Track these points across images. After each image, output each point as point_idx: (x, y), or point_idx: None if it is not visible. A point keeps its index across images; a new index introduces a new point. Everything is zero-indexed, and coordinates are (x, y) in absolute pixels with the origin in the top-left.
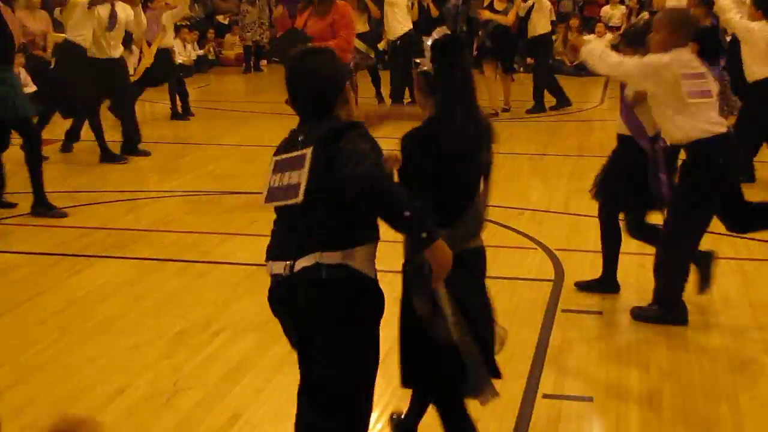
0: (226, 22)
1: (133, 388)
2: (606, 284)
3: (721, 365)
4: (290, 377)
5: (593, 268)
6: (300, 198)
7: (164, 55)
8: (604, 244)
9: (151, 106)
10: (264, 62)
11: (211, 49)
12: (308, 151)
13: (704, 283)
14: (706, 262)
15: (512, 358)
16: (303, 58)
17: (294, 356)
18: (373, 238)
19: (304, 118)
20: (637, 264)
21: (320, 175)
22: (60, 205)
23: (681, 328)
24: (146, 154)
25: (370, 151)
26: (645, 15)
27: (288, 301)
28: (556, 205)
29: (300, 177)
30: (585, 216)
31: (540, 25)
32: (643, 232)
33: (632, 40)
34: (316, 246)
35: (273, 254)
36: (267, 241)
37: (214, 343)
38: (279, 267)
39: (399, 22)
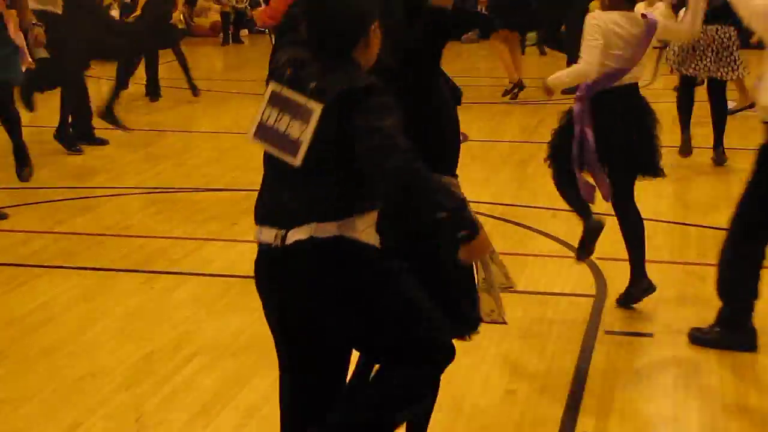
0: None
1: (85, 426)
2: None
3: None
4: (275, 412)
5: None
6: (298, 162)
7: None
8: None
9: (108, 84)
10: (245, 32)
11: (182, 17)
12: (318, 109)
13: None
14: None
15: (547, 390)
16: None
17: None
18: (377, 206)
19: (317, 51)
20: (698, 276)
21: (327, 141)
22: None
23: (749, 355)
24: (104, 142)
25: (397, 129)
26: None
27: (279, 274)
28: (596, 204)
29: (302, 134)
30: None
31: None
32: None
33: None
34: (311, 214)
35: (263, 217)
36: (249, 247)
37: (184, 371)
38: (269, 235)
39: None
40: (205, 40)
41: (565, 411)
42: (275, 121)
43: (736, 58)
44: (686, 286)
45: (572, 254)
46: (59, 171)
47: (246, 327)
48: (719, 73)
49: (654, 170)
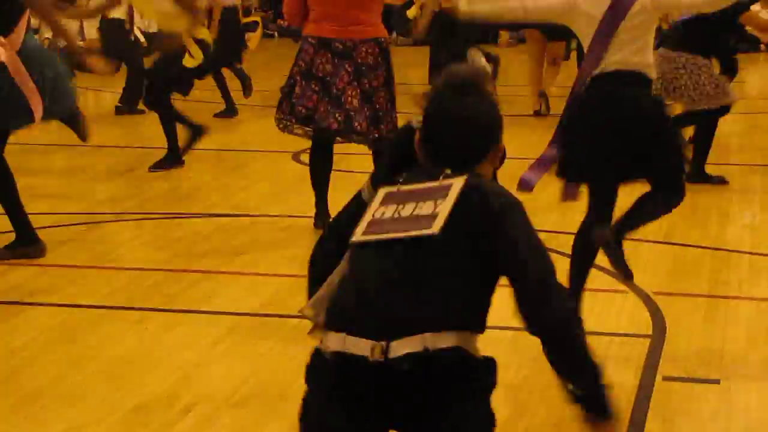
0: None
1: None
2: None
3: None
4: None
5: (707, 321)
6: (437, 229)
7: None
8: None
9: (95, 96)
10: (254, 36)
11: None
12: (460, 181)
13: None
14: None
15: None
16: (459, 101)
17: None
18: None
19: (437, 165)
20: None
21: (464, 225)
22: None
23: None
24: None
25: (545, 251)
26: None
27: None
28: (652, 230)
29: (438, 207)
30: (694, 246)
31: None
32: None
33: None
34: (424, 322)
35: (349, 324)
36: (257, 281)
37: (182, 424)
38: (361, 347)
39: None
40: None
41: None
42: (394, 212)
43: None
44: (759, 325)
45: (625, 288)
46: (39, 194)
47: (250, 374)
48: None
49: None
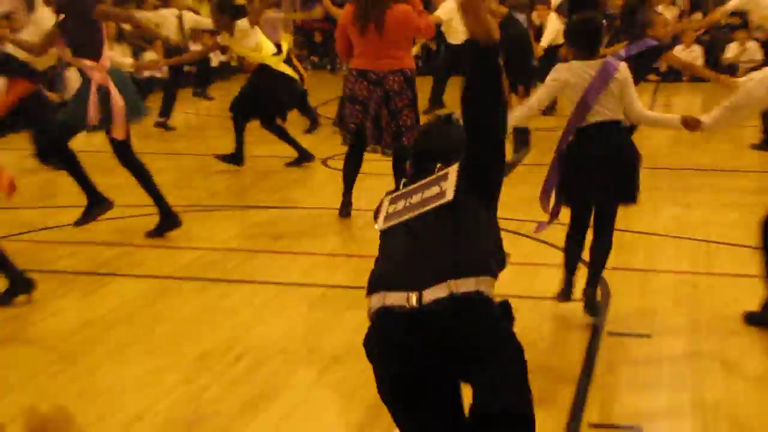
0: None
1: (151, 414)
2: None
3: None
4: (318, 404)
5: (641, 289)
6: (450, 196)
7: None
8: None
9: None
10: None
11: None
12: (455, 166)
13: None
14: None
15: (557, 381)
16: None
17: (324, 379)
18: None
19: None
20: (690, 284)
21: (467, 194)
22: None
23: (740, 355)
24: None
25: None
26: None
27: (416, 334)
28: None
29: (444, 186)
30: (631, 232)
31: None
32: None
33: None
34: (447, 272)
35: (388, 284)
36: (294, 258)
37: (237, 368)
38: (398, 298)
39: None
40: None
41: (574, 401)
42: (405, 203)
43: None
44: (678, 293)
45: (580, 265)
46: (126, 189)
47: (287, 332)
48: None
49: (629, 199)
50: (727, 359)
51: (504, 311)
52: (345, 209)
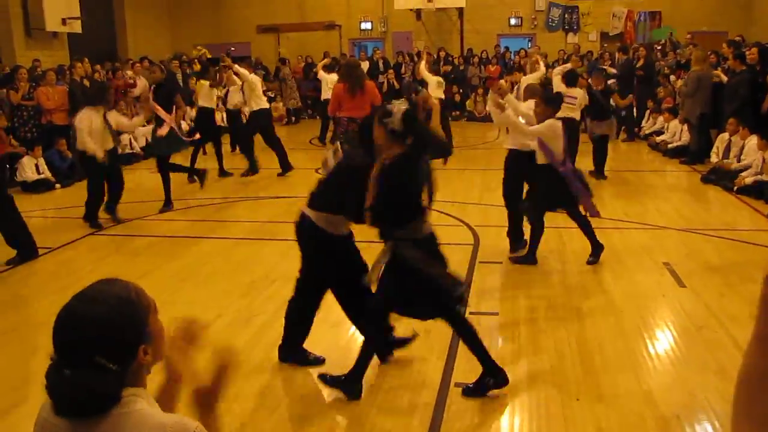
0: (272, 95)
1: (225, 315)
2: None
3: None
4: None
5: (498, 237)
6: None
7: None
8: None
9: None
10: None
11: None
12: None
13: None
14: None
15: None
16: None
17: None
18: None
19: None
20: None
21: None
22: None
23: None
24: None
25: None
26: None
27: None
28: (473, 197)
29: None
30: (491, 205)
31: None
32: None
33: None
34: None
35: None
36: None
37: (271, 288)
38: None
39: None
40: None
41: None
42: None
43: None
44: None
45: (459, 224)
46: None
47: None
48: None
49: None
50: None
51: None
52: None
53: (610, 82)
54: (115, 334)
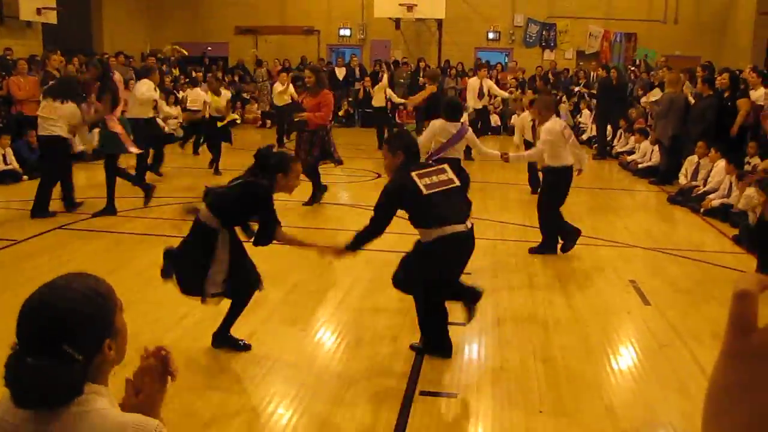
0: (248, 97)
1: (191, 314)
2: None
3: None
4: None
5: None
6: (458, 183)
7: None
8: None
9: None
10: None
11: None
12: (446, 165)
13: None
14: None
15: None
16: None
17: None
18: None
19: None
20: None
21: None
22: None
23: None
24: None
25: None
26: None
27: (468, 244)
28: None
29: (448, 176)
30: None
31: None
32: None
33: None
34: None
35: (452, 219)
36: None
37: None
38: (461, 227)
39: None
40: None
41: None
42: (431, 180)
43: None
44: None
45: None
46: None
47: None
48: None
49: None
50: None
51: None
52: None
53: (577, 89)
54: (83, 323)
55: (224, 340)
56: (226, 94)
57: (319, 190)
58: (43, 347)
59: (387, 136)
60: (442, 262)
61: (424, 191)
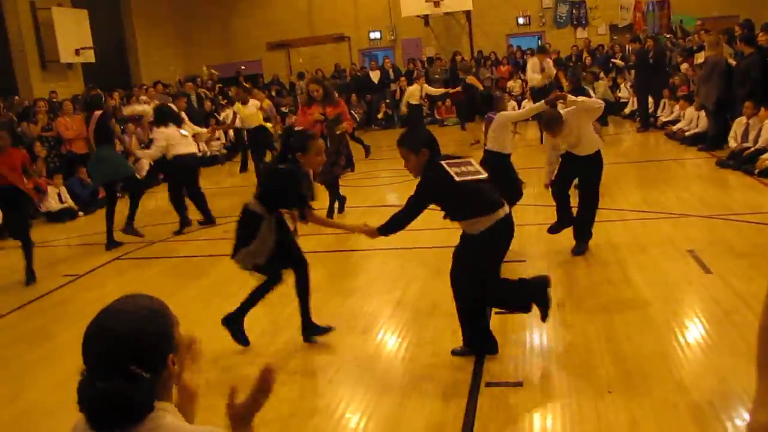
0: (286, 110)
1: (251, 330)
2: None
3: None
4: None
5: (522, 237)
6: (486, 174)
7: None
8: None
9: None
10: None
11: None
12: (472, 158)
13: None
14: None
15: None
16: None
17: None
18: None
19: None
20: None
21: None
22: None
23: None
24: None
25: None
26: None
27: (511, 227)
28: None
29: (476, 167)
30: (527, 204)
31: None
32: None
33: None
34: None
35: (493, 206)
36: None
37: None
38: (502, 212)
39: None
40: None
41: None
42: (461, 169)
43: None
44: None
45: None
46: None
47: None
48: None
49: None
50: None
51: None
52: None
53: (613, 62)
54: (147, 342)
55: (233, 321)
56: (255, 103)
57: (339, 200)
58: (109, 370)
59: (400, 137)
60: (493, 250)
61: (457, 179)
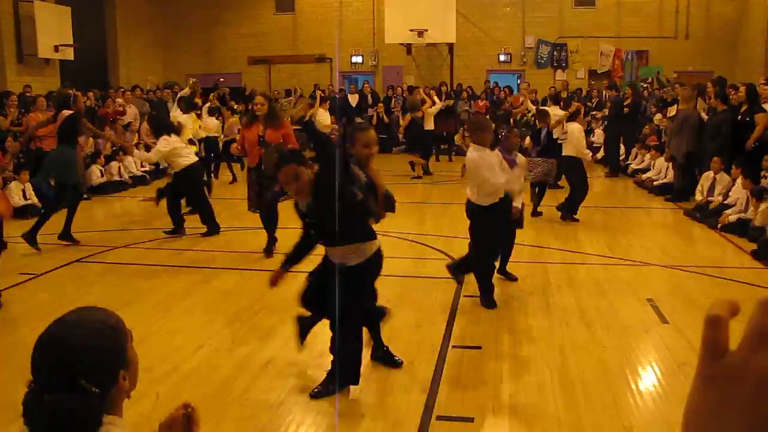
0: None
1: (207, 345)
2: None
3: None
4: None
5: None
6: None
7: None
8: None
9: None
10: None
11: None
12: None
13: None
14: None
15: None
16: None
17: None
18: None
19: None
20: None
21: None
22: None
23: None
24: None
25: None
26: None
27: None
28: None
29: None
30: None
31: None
32: None
33: None
34: None
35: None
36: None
37: (256, 318)
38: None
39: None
40: None
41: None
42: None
43: None
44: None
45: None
46: None
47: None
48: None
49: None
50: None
51: None
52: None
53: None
54: (97, 356)
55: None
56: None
57: (274, 238)
58: (58, 383)
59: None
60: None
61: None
